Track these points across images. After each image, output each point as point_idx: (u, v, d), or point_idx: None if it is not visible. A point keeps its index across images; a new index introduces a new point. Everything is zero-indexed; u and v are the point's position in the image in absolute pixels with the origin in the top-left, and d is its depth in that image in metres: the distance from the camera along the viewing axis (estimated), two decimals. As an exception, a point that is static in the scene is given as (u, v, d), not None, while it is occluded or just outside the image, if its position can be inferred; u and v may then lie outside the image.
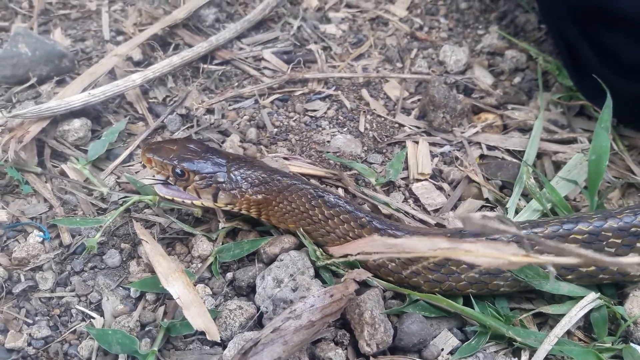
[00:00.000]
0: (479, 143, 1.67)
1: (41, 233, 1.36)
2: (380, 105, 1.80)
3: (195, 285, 1.26)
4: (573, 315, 1.20)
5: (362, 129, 1.72)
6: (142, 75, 1.69)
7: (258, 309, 1.21)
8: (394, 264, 1.25)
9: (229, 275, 1.30)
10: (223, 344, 1.18)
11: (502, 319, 1.21)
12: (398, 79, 1.87)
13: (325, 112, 1.77)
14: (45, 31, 1.96)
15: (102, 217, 1.39)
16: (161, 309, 1.23)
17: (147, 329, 1.19)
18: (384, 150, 1.66)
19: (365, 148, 1.66)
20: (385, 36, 2.07)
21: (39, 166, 1.51)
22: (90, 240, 1.32)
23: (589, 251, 0.74)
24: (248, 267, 1.30)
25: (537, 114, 1.70)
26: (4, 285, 1.26)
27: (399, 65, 1.95)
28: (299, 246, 1.33)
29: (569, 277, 1.24)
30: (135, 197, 1.41)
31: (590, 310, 1.22)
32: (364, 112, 1.77)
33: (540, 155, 1.61)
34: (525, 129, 1.71)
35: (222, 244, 1.34)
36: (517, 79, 1.88)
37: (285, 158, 1.58)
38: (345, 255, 1.24)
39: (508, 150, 1.64)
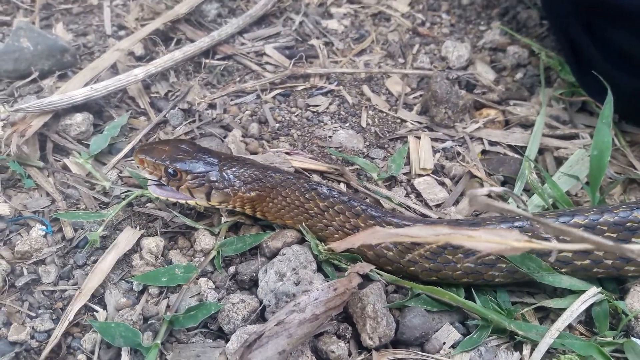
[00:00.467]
0: (480, 138, 1.67)
1: (44, 227, 1.36)
2: (382, 101, 1.80)
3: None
4: (575, 309, 1.20)
5: (364, 124, 1.72)
6: (144, 70, 1.69)
7: (260, 302, 1.22)
8: (391, 253, 1.26)
9: (232, 269, 1.30)
10: (226, 337, 1.19)
11: (504, 312, 1.21)
12: (400, 74, 1.87)
13: (327, 108, 1.77)
14: (47, 26, 1.96)
15: (105, 211, 1.40)
16: (164, 302, 1.23)
17: (150, 322, 1.19)
18: (386, 146, 1.66)
19: (367, 143, 1.66)
20: (387, 32, 2.07)
21: (41, 160, 1.51)
22: (93, 234, 1.32)
23: (591, 235, 0.74)
24: (250, 261, 1.30)
25: (539, 109, 1.71)
26: (6, 279, 1.26)
27: (400, 60, 1.95)
28: (301, 240, 1.33)
29: (564, 270, 1.24)
30: (138, 191, 1.41)
31: (592, 305, 1.23)
32: (366, 107, 1.77)
33: (542, 150, 1.61)
34: (527, 125, 1.71)
35: (225, 238, 1.34)
36: (519, 75, 1.88)
37: (287, 153, 1.58)
38: (348, 250, 1.24)
39: (510, 146, 1.64)
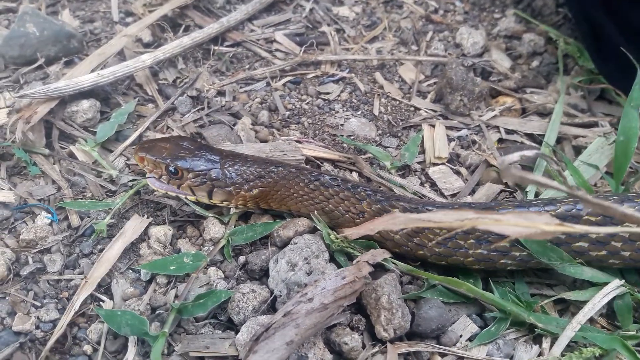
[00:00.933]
0: (497, 127, 1.62)
1: (49, 215, 1.33)
2: (395, 89, 1.76)
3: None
4: (597, 301, 1.16)
5: (376, 112, 1.68)
6: (152, 56, 1.65)
7: (272, 292, 1.18)
8: (398, 236, 1.22)
9: (242, 258, 1.27)
10: (236, 329, 1.15)
11: (523, 304, 1.17)
12: (414, 61, 1.83)
13: (339, 95, 1.73)
14: (53, 12, 1.92)
15: (112, 199, 1.36)
16: (172, 292, 1.20)
17: (157, 312, 1.16)
18: (399, 134, 1.62)
19: (380, 132, 1.62)
20: (400, 19, 2.02)
21: (46, 148, 1.48)
22: (100, 224, 1.29)
23: (631, 209, 0.70)
24: (261, 251, 1.27)
25: (557, 97, 1.66)
26: (11, 267, 1.23)
27: (414, 48, 1.90)
28: (313, 230, 1.29)
29: (578, 261, 1.19)
30: (145, 179, 1.38)
31: (614, 298, 1.18)
32: (378, 95, 1.73)
33: (560, 139, 1.57)
34: (544, 113, 1.66)
35: (235, 227, 1.31)
36: (535, 63, 1.83)
37: (298, 141, 1.54)
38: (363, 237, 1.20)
39: (527, 134, 1.60)
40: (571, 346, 1.14)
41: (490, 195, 1.42)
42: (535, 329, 1.15)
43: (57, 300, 1.20)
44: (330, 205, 1.28)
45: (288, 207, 1.32)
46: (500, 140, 1.59)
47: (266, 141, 1.55)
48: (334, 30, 1.94)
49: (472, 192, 1.45)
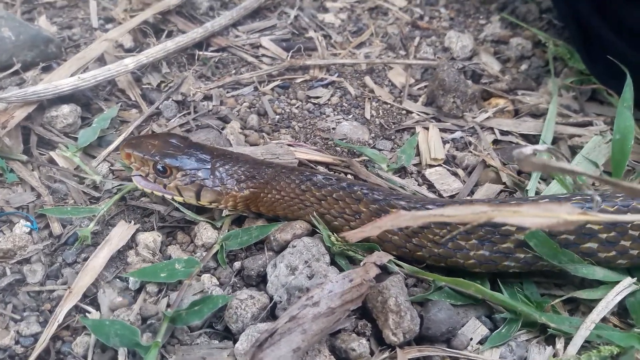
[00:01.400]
0: (491, 128, 1.60)
1: (29, 223, 1.24)
2: (385, 92, 1.72)
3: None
4: (610, 300, 1.12)
5: (367, 115, 1.64)
6: (135, 60, 1.59)
7: (271, 298, 1.11)
8: (397, 237, 1.17)
9: (237, 264, 1.20)
10: (234, 338, 1.08)
11: (533, 304, 1.13)
12: (403, 65, 1.80)
13: (329, 99, 1.69)
14: (28, 19, 1.85)
15: (96, 206, 1.28)
16: (164, 301, 1.12)
17: (149, 322, 1.08)
18: (393, 137, 1.58)
19: (373, 135, 1.58)
20: (386, 25, 2.00)
21: (24, 154, 1.40)
22: (84, 231, 1.21)
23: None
24: (257, 256, 1.20)
25: (549, 99, 1.64)
26: (-13, 280, 1.14)
27: (402, 53, 1.88)
28: (312, 233, 1.23)
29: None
30: (131, 185, 1.30)
31: (626, 296, 1.14)
32: (369, 99, 1.69)
33: (555, 139, 1.54)
34: (537, 114, 1.64)
35: (228, 231, 1.24)
36: (523, 66, 1.82)
37: (290, 145, 1.48)
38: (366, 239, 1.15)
39: (522, 135, 1.57)
40: (584, 346, 1.09)
41: (490, 195, 1.39)
42: (548, 330, 1.10)
43: (38, 313, 1.11)
44: (322, 208, 1.22)
45: (277, 211, 1.26)
46: (495, 142, 1.57)
47: (257, 145, 1.49)
48: (321, 36, 1.90)
49: (471, 192, 1.41)
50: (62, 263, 1.19)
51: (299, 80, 1.74)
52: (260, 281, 1.18)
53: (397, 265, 1.17)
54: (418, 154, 1.51)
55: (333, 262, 1.18)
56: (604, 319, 1.14)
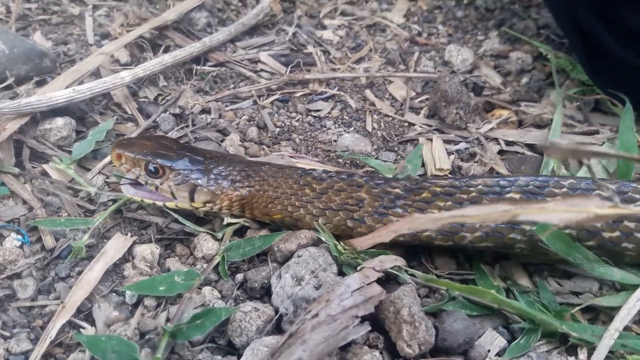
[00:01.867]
0: (496, 139, 1.56)
1: (20, 236, 1.18)
2: (386, 105, 1.70)
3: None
4: (631, 306, 1.07)
5: (369, 128, 1.60)
6: (132, 73, 1.55)
7: (276, 310, 1.05)
8: None
9: (239, 276, 1.14)
10: (237, 353, 1.01)
11: (552, 313, 1.07)
12: (404, 78, 1.78)
13: (329, 112, 1.65)
14: (24, 36, 1.81)
15: (91, 218, 1.23)
16: (163, 315, 1.05)
17: (147, 337, 1.01)
18: (396, 149, 1.54)
19: (375, 147, 1.54)
20: (385, 41, 1.99)
21: (16, 167, 1.34)
22: (78, 242, 1.15)
23: None
24: (260, 268, 1.14)
25: (552, 110, 1.62)
26: (-26, 296, 1.07)
27: (401, 67, 1.86)
28: (317, 242, 1.18)
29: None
30: (127, 196, 1.25)
31: (646, 302, 1.10)
32: (370, 112, 1.66)
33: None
34: (541, 125, 1.62)
35: (230, 242, 1.18)
36: (524, 80, 1.81)
37: (291, 157, 1.44)
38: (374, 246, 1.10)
39: (528, 145, 1.54)
40: (608, 356, 1.04)
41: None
42: (569, 339, 1.04)
43: (29, 330, 1.04)
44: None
45: (274, 213, 1.20)
46: (500, 152, 1.53)
47: (257, 157, 1.45)
48: (320, 51, 1.88)
49: (480, 202, 1.37)
50: (54, 277, 1.13)
51: (298, 94, 1.71)
52: (264, 294, 1.12)
53: (410, 274, 1.11)
54: (423, 165, 1.48)
55: (340, 273, 1.13)
56: (626, 328, 1.09)
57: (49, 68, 1.62)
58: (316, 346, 0.93)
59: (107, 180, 1.34)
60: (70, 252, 1.15)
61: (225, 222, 1.21)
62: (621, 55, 1.45)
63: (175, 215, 1.21)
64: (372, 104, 1.69)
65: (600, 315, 1.13)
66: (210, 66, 1.76)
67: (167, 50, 1.78)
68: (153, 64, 1.61)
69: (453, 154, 1.53)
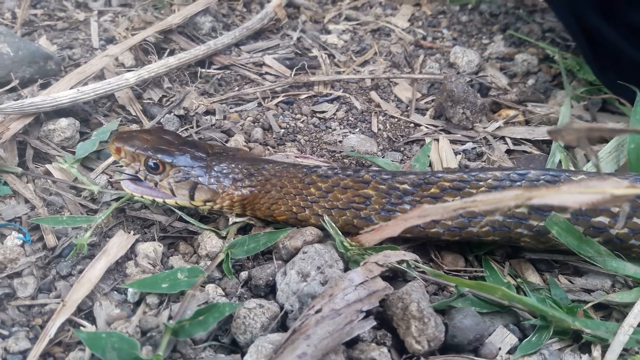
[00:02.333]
0: (503, 138, 1.55)
1: (21, 235, 1.16)
2: (392, 107, 1.68)
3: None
4: (645, 301, 1.04)
5: (375, 129, 1.59)
6: (136, 74, 1.55)
7: (281, 307, 1.03)
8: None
9: (244, 274, 1.12)
10: (242, 351, 0.99)
11: (564, 310, 1.04)
12: (409, 80, 1.77)
13: (335, 114, 1.64)
14: (29, 41, 1.82)
15: (93, 216, 1.21)
16: (165, 313, 1.03)
17: (149, 334, 0.99)
18: (402, 149, 1.53)
19: (381, 147, 1.52)
20: (390, 44, 1.98)
21: (20, 167, 1.33)
22: (80, 239, 1.13)
23: None
24: (265, 265, 1.12)
25: (559, 110, 1.60)
26: (-26, 295, 1.05)
27: (406, 70, 1.85)
28: (323, 239, 1.16)
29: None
30: (130, 194, 1.23)
31: (661, 298, 1.07)
32: (376, 113, 1.65)
33: (570, 146, 1.49)
34: (548, 124, 1.60)
35: (234, 239, 1.16)
36: (530, 81, 1.79)
37: (297, 157, 1.43)
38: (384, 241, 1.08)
39: (535, 144, 1.52)
40: (622, 354, 1.01)
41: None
42: (582, 336, 1.01)
43: (28, 329, 1.02)
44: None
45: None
46: (508, 152, 1.51)
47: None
48: (325, 54, 1.88)
49: (488, 201, 1.35)
50: (55, 276, 1.11)
51: (303, 96, 1.70)
52: (269, 292, 1.10)
53: (418, 270, 1.09)
54: (430, 164, 1.46)
55: (347, 269, 1.10)
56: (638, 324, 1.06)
57: (54, 71, 1.61)
58: (320, 341, 0.91)
59: (110, 180, 1.33)
60: (71, 250, 1.13)
61: (230, 222, 1.19)
62: (627, 51, 1.43)
63: (180, 213, 1.19)
64: (378, 106, 1.68)
65: (613, 313, 1.10)
66: (215, 69, 1.76)
67: (172, 53, 1.78)
68: (158, 66, 1.61)
69: (460, 154, 1.51)
